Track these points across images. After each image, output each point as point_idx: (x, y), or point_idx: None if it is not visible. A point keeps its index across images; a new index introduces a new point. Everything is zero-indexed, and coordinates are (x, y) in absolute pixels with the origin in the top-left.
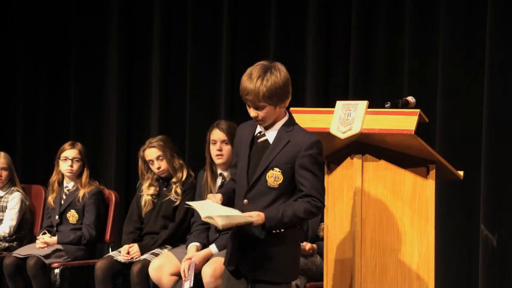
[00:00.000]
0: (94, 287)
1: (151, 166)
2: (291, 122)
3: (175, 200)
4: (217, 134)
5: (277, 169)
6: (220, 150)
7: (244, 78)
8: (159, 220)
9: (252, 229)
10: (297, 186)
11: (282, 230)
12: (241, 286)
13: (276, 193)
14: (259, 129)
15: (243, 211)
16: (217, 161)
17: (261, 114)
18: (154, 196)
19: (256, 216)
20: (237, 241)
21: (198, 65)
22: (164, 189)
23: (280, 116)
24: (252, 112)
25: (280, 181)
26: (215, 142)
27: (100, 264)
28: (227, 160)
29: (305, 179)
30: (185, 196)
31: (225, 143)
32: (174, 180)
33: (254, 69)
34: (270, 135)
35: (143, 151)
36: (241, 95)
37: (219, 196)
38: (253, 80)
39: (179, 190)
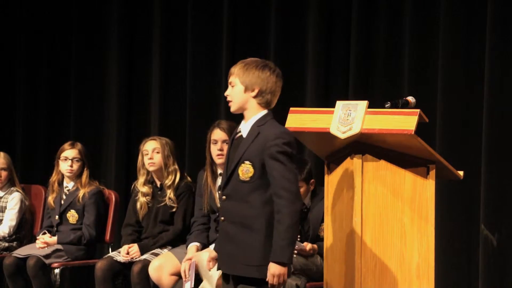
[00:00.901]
0: (94, 287)
1: (145, 157)
2: (266, 118)
3: (171, 206)
4: (218, 134)
5: (247, 162)
6: (221, 150)
7: None
8: (158, 225)
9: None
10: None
11: (295, 248)
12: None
13: (249, 186)
14: (238, 128)
15: (222, 207)
16: (218, 161)
17: (231, 92)
18: (148, 197)
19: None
20: (218, 241)
21: (198, 65)
22: (159, 192)
23: (256, 111)
24: (227, 91)
25: (251, 174)
26: (216, 142)
27: (100, 264)
28: None
29: (274, 170)
30: (180, 200)
31: (226, 143)
32: (167, 183)
33: None
34: (244, 131)
35: (144, 143)
36: None
37: (207, 256)
38: (239, 62)
39: (173, 196)
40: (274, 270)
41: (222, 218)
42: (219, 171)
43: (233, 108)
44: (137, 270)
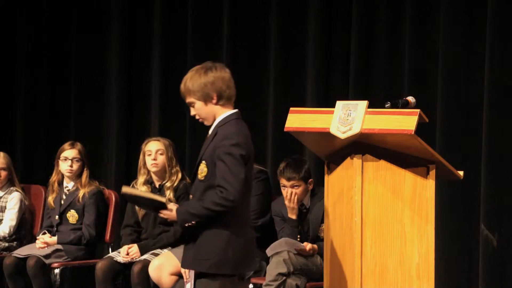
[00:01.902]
0: (95, 287)
1: (147, 158)
2: (228, 118)
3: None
4: None
5: (203, 162)
6: None
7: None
8: (158, 227)
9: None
10: None
11: (193, 222)
12: None
13: (204, 185)
14: None
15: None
16: None
17: (194, 111)
18: None
19: (170, 207)
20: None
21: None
22: (158, 193)
23: (220, 114)
24: (191, 111)
25: (205, 174)
26: None
27: (100, 265)
28: None
29: (218, 169)
30: (179, 202)
31: None
32: (167, 184)
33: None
34: (210, 132)
35: (146, 143)
36: None
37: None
38: (183, 79)
39: (172, 197)
40: (170, 212)
41: None
42: None
43: (208, 122)
44: (137, 270)
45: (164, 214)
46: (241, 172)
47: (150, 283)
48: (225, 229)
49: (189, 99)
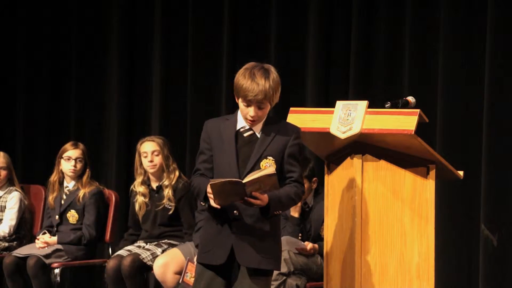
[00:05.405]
0: (101, 287)
1: (143, 159)
2: (270, 116)
3: (170, 207)
4: None
5: (270, 158)
6: None
7: (248, 80)
8: (156, 228)
9: (249, 213)
10: (284, 174)
11: (280, 211)
12: (223, 282)
13: None
14: (240, 124)
15: (236, 204)
16: None
17: (260, 113)
18: (145, 197)
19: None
20: (225, 233)
21: (199, 65)
22: (156, 195)
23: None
24: (252, 112)
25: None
26: None
27: (111, 264)
28: None
29: (295, 167)
30: (181, 203)
31: None
32: (166, 183)
33: (255, 70)
34: (256, 129)
35: (141, 144)
36: (245, 95)
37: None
38: (259, 80)
39: (171, 196)
40: (261, 200)
41: (236, 212)
42: None
43: (255, 125)
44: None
45: (253, 201)
46: None
47: (146, 278)
48: (279, 227)
49: (264, 103)
